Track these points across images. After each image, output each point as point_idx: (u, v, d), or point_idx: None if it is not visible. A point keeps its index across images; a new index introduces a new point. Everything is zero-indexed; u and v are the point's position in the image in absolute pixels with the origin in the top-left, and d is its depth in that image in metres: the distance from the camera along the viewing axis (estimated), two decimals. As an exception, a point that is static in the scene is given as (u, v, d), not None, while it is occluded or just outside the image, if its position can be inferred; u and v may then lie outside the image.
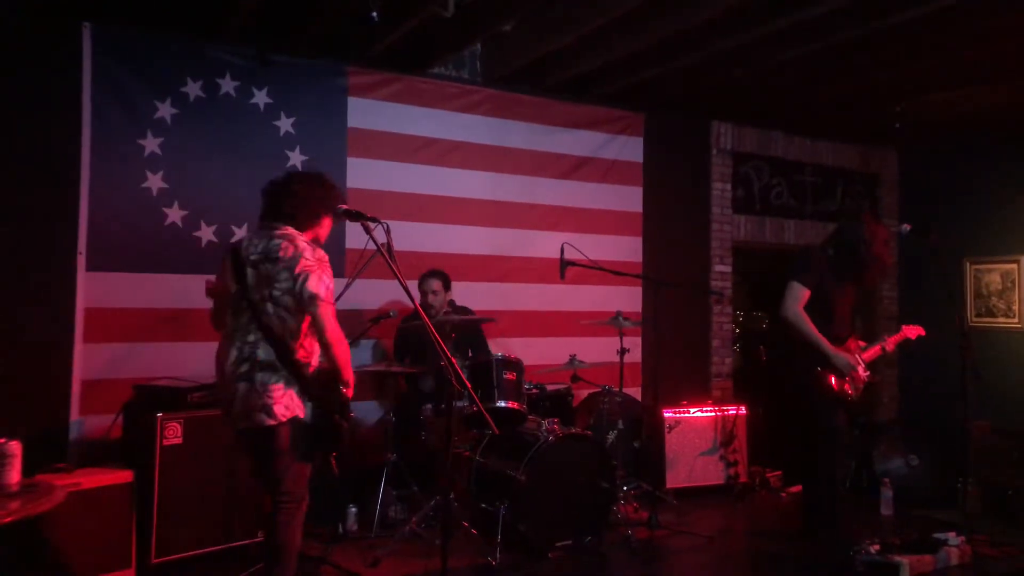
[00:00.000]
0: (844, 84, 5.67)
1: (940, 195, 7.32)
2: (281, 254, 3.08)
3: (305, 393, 3.09)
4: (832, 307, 4.57)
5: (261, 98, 4.91)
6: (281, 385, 3.03)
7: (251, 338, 3.06)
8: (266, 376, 3.03)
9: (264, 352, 3.04)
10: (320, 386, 3.10)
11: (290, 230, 3.19)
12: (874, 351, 4.75)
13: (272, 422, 3.02)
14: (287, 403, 3.04)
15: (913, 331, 4.97)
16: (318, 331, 3.07)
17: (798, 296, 4.48)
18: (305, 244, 3.15)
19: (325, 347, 3.09)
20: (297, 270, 3.04)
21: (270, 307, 3.06)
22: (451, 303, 5.09)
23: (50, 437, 4.21)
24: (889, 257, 4.79)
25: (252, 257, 3.11)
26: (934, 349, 5.25)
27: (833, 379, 4.51)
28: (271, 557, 3.13)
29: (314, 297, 3.03)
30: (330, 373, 3.09)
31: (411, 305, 3.22)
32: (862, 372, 4.61)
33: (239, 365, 3.06)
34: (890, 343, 4.86)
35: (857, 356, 4.61)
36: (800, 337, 4.48)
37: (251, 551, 4.07)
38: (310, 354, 3.17)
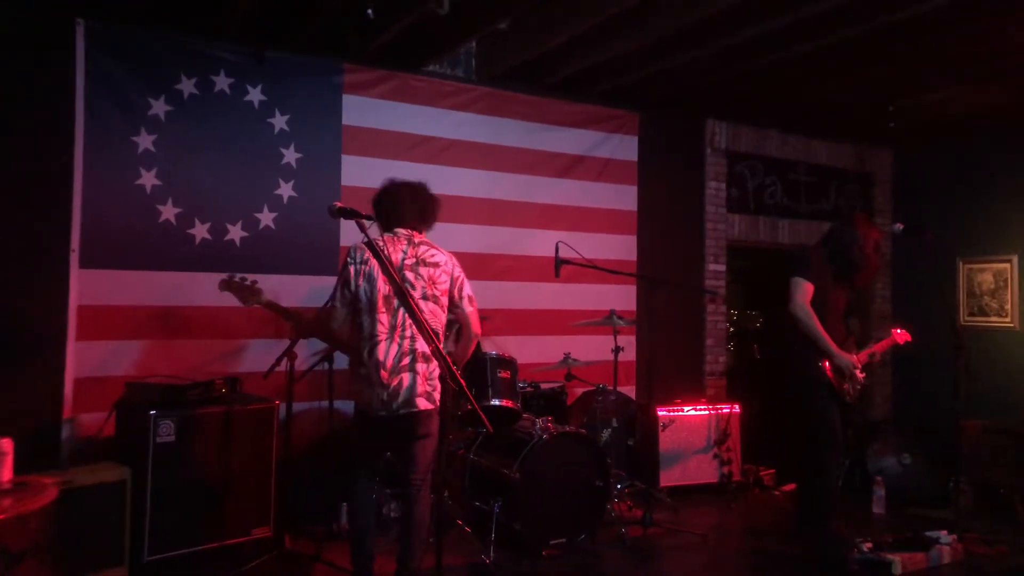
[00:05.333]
0: (838, 83, 5.68)
1: (934, 194, 7.34)
2: (434, 259, 3.53)
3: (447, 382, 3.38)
4: (826, 307, 4.58)
5: (255, 95, 4.90)
6: (437, 374, 3.36)
7: (408, 333, 3.40)
8: (427, 366, 3.40)
9: (421, 345, 3.38)
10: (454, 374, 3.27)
11: (420, 235, 3.60)
12: (864, 355, 4.76)
13: (431, 406, 3.41)
14: (439, 390, 3.37)
15: (902, 336, 4.99)
16: (465, 326, 3.61)
17: (804, 291, 4.52)
18: (442, 249, 3.61)
19: (469, 339, 3.63)
20: (456, 274, 3.58)
21: (427, 305, 3.44)
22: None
23: (42, 435, 4.20)
24: (879, 260, 4.81)
25: (407, 261, 3.47)
26: (927, 348, 5.26)
27: (833, 376, 4.54)
28: (410, 533, 3.45)
29: (471, 299, 3.62)
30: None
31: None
32: (860, 375, 4.64)
33: (401, 358, 3.39)
34: (879, 349, 4.88)
35: (855, 358, 4.64)
36: (806, 332, 4.51)
37: (244, 549, 4.07)
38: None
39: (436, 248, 3.61)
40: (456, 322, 3.70)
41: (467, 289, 3.62)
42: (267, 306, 3.75)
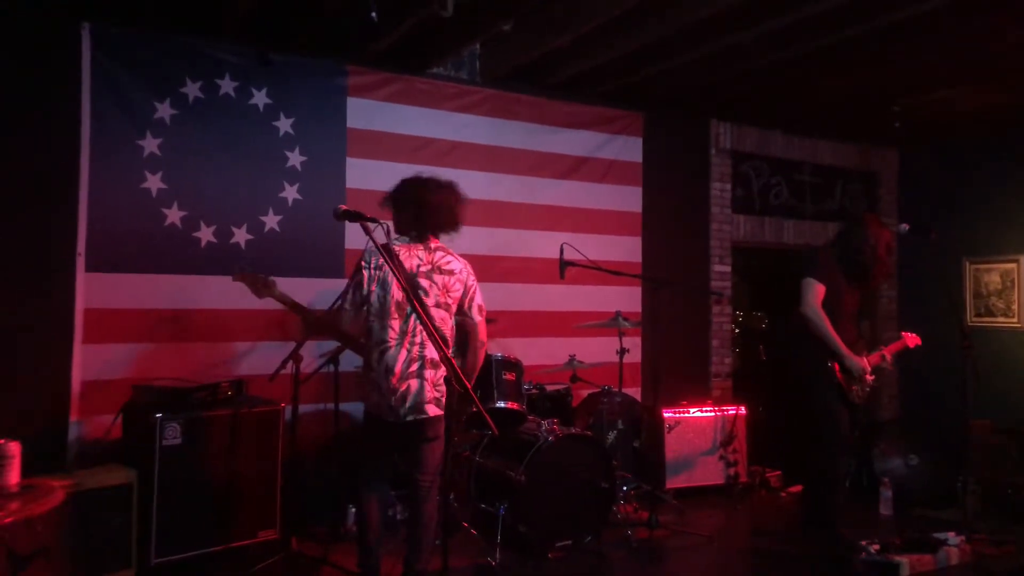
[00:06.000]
0: (843, 83, 5.67)
1: (939, 194, 7.33)
2: (449, 267, 3.54)
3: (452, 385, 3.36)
4: (837, 308, 4.57)
5: (260, 98, 4.91)
6: (443, 380, 3.39)
7: (418, 339, 3.40)
8: (436, 372, 3.41)
9: (430, 352, 3.38)
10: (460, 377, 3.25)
11: (437, 241, 3.58)
12: (875, 358, 4.75)
13: (439, 411, 3.43)
14: (446, 396, 3.40)
15: (912, 340, 4.98)
16: (473, 334, 3.62)
17: (816, 292, 4.51)
18: (457, 255, 3.61)
19: (477, 348, 3.64)
20: (469, 283, 3.60)
21: (438, 312, 3.45)
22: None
23: (50, 438, 4.21)
24: (891, 261, 4.81)
25: (423, 268, 3.48)
26: (934, 348, 5.24)
27: (842, 378, 4.53)
28: (418, 535, 3.47)
29: (481, 308, 3.63)
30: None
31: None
32: (869, 378, 4.63)
33: (410, 364, 3.39)
34: (889, 352, 4.86)
35: (866, 361, 4.63)
36: (817, 334, 4.50)
37: (251, 552, 4.07)
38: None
39: (452, 255, 3.60)
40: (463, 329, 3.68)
41: (478, 299, 3.63)
42: (279, 299, 3.74)
